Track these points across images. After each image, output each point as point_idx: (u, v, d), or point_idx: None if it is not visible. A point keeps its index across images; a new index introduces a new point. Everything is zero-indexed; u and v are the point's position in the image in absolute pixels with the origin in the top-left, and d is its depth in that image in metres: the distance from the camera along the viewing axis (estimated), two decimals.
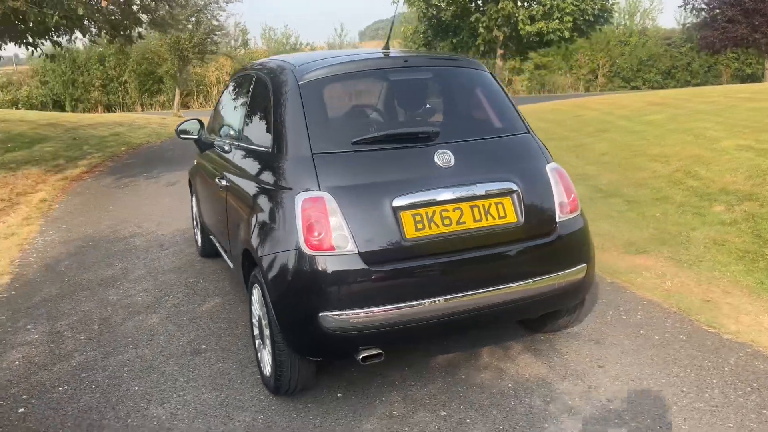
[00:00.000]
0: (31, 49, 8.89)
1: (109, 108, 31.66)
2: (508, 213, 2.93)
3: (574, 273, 3.09)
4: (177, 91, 21.53)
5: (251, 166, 3.30)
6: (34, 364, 3.47)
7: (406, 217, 2.75)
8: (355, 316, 2.66)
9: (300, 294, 2.71)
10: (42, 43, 8.75)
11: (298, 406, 2.97)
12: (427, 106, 3.35)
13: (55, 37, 9.19)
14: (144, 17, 11.26)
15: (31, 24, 7.29)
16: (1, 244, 5.79)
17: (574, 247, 3.13)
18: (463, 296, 2.80)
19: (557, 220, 3.05)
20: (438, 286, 2.78)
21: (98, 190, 8.34)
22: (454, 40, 17.46)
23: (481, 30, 15.93)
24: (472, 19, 15.87)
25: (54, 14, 6.96)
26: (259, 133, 3.33)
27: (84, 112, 29.47)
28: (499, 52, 17.21)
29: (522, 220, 2.94)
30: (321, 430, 2.77)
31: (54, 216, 6.95)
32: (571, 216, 3.12)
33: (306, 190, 2.75)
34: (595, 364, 3.26)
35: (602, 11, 16.37)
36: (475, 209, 2.87)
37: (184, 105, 33.24)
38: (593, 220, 5.68)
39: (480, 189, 2.90)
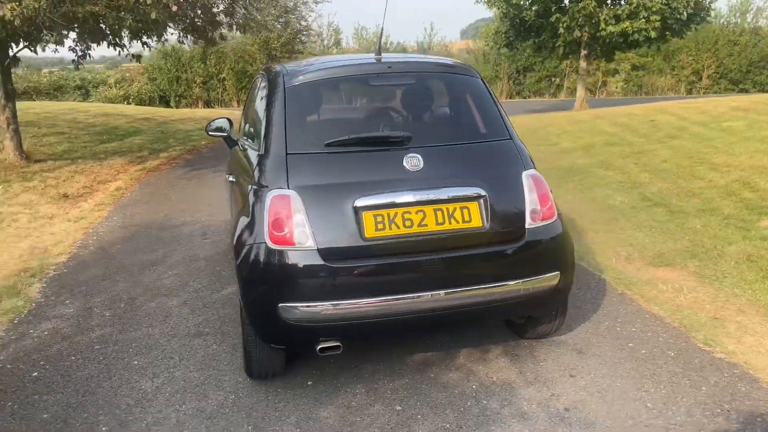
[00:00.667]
0: (118, 49, 9.69)
1: (208, 104, 33.46)
2: (474, 217, 2.99)
3: (545, 280, 3.10)
4: None
5: (245, 163, 3.54)
6: (60, 335, 3.89)
7: (367, 217, 2.88)
8: (311, 309, 2.83)
9: (263, 285, 2.91)
10: (128, 45, 9.50)
11: (269, 389, 3.18)
12: (404, 111, 3.45)
13: (142, 39, 9.93)
14: (224, 19, 11.90)
15: (109, 27, 7.96)
16: (69, 227, 6.41)
17: (545, 254, 3.14)
18: (422, 296, 2.90)
19: (527, 226, 3.07)
20: (396, 285, 2.90)
21: (167, 181, 8.97)
22: (537, 41, 17.12)
23: (561, 30, 15.52)
24: (553, 19, 15.49)
25: (129, 18, 7.59)
26: (254, 133, 3.56)
27: (186, 108, 31.34)
28: (583, 52, 16.68)
29: (487, 225, 2.99)
30: (281, 413, 2.97)
31: (123, 203, 7.57)
32: (544, 223, 3.13)
33: (278, 188, 2.95)
34: (568, 373, 3.24)
35: (697, 9, 15.47)
36: (439, 212, 2.96)
37: None
38: (629, 229, 5.54)
39: (444, 193, 2.98)
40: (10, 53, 8.83)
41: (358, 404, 3.02)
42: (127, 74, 36.18)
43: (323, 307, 2.83)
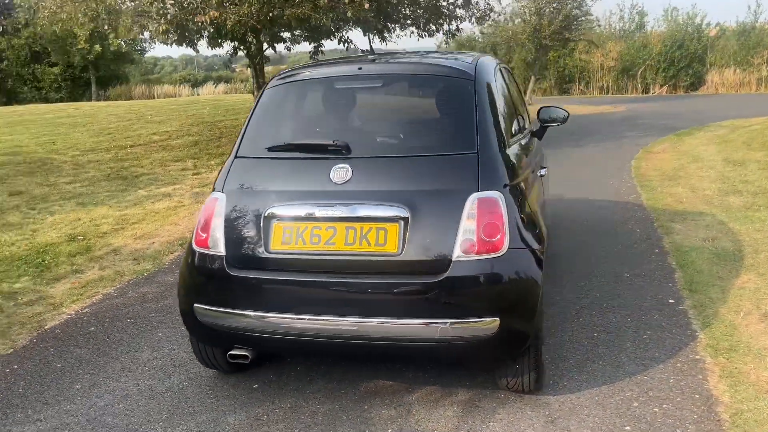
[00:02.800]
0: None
1: None
2: (389, 241, 2.63)
3: (474, 325, 2.58)
4: (532, 79, 21.81)
5: None
6: (138, 300, 4.54)
7: (277, 228, 2.77)
8: (218, 314, 2.84)
9: (184, 283, 3.01)
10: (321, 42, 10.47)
11: (217, 384, 3.27)
12: (360, 117, 3.13)
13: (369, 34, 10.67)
14: (461, 12, 11.99)
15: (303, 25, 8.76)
16: None
17: (475, 294, 2.61)
18: (327, 320, 2.68)
19: (453, 258, 2.58)
20: (298, 304, 2.73)
21: None
22: None
23: None
24: None
25: (331, 17, 8.17)
26: None
27: None
28: None
29: (402, 251, 2.61)
30: (200, 408, 3.04)
31: None
32: (481, 257, 2.59)
33: (215, 191, 3.01)
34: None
35: None
36: (351, 232, 2.68)
37: (564, 91, 33.29)
38: None
39: (359, 211, 2.68)
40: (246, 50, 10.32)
41: (270, 419, 2.93)
42: None
43: (228, 315, 2.82)
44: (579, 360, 3.33)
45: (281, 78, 3.29)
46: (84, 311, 4.40)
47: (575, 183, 7.92)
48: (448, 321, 2.57)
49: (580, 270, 4.71)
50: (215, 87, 34.60)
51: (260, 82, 10.56)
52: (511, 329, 2.64)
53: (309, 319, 2.69)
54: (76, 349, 3.79)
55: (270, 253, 2.75)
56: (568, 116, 4.70)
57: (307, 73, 3.27)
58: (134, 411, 3.05)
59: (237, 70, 50.30)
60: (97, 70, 30.88)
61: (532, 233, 2.85)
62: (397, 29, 11.77)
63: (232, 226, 2.85)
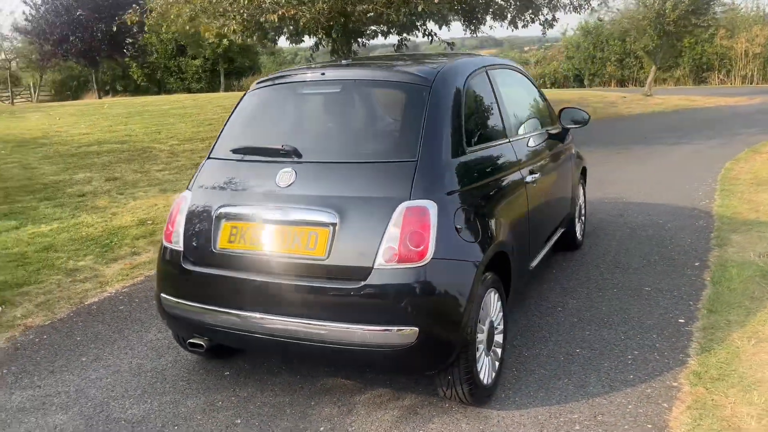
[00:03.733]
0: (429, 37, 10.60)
1: (621, 83, 32.11)
2: (319, 246, 2.71)
3: (394, 334, 2.59)
4: (652, 69, 20.38)
5: None
6: None
7: (225, 227, 2.93)
8: (175, 303, 3.07)
9: (156, 273, 3.26)
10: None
11: (195, 368, 3.50)
12: (314, 122, 3.18)
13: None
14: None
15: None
16: None
17: (394, 302, 2.61)
18: (257, 318, 2.81)
19: (374, 266, 2.60)
20: (236, 300, 2.88)
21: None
22: None
23: None
24: None
25: (404, 12, 8.19)
26: None
27: (599, 87, 30.81)
28: None
29: (328, 256, 2.68)
30: (170, 389, 3.29)
31: None
32: (403, 266, 2.59)
33: (186, 189, 3.23)
34: None
35: None
36: (285, 235, 2.80)
37: (701, 80, 30.81)
38: None
39: (295, 215, 2.78)
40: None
41: (224, 405, 3.10)
42: (548, 53, 37.34)
43: (183, 306, 3.03)
44: (545, 376, 3.21)
45: (260, 82, 3.43)
46: (123, 291, 4.85)
47: (648, 184, 7.43)
48: (367, 327, 2.60)
49: (598, 280, 4.48)
50: None
51: None
52: (433, 340, 2.62)
53: (249, 317, 2.83)
54: (99, 324, 4.21)
55: (217, 251, 2.93)
56: (588, 119, 4.47)
57: (280, 79, 3.39)
58: (116, 386, 3.36)
59: None
60: (228, 62, 33.11)
61: (472, 243, 2.79)
62: (489, 20, 11.54)
63: (191, 224, 3.06)
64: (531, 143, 3.85)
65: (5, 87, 34.14)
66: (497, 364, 3.09)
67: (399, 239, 2.60)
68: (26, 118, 14.93)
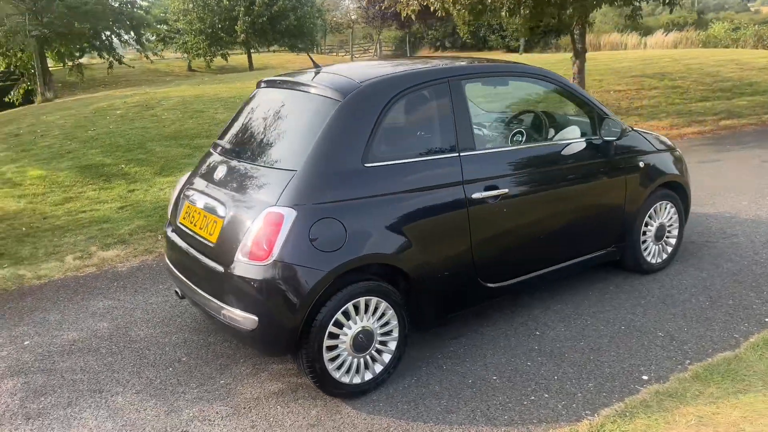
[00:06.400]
0: None
1: None
2: (213, 233, 3.30)
3: (240, 317, 3.06)
4: None
5: None
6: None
7: (186, 206, 3.69)
8: (165, 259, 3.96)
9: None
10: None
11: (168, 332, 3.99)
12: (263, 124, 3.66)
13: None
14: None
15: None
16: None
17: (244, 293, 3.07)
18: (189, 283, 3.51)
19: (235, 258, 3.09)
20: (181, 265, 3.64)
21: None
22: None
23: None
24: None
25: None
26: None
27: None
28: None
29: (215, 243, 3.25)
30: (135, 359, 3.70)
31: None
32: (253, 263, 3.01)
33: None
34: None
35: None
36: (203, 220, 3.44)
37: None
38: None
39: (209, 204, 3.41)
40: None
41: (161, 385, 3.39)
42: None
43: (166, 263, 3.91)
44: (418, 395, 3.22)
45: (262, 81, 3.96)
46: (155, 259, 5.23)
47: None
48: (228, 307, 3.11)
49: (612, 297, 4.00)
50: (665, 35, 29.83)
51: (578, 48, 10.26)
52: (270, 331, 3.02)
53: (185, 282, 3.54)
54: (115, 285, 4.73)
55: (177, 223, 3.72)
56: (625, 130, 3.95)
57: (269, 79, 3.86)
58: (100, 344, 3.85)
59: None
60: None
61: (328, 253, 2.98)
62: None
63: (176, 200, 3.88)
64: (515, 156, 3.64)
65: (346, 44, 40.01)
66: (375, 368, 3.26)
67: (253, 239, 3.01)
68: None
